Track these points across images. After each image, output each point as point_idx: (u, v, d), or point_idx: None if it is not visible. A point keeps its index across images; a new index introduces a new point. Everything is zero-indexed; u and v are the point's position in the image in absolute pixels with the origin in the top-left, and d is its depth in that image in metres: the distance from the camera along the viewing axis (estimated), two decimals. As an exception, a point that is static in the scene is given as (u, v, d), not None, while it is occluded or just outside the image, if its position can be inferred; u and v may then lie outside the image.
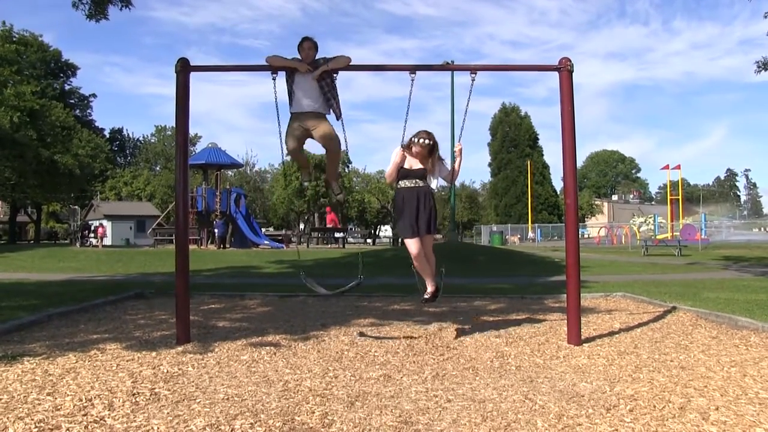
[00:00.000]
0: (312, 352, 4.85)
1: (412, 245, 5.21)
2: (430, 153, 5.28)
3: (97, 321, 6.37)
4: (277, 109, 5.35)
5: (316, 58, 5.33)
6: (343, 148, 5.54)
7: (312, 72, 5.23)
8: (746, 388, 3.63)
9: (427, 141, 5.22)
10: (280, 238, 29.68)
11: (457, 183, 44.36)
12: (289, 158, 6.07)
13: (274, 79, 5.33)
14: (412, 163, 5.32)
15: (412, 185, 5.29)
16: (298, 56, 5.33)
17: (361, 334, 5.61)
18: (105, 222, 48.75)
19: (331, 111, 5.36)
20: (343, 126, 5.46)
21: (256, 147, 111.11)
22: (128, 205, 57.51)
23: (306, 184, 7.10)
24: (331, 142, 5.43)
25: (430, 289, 5.46)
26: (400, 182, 5.35)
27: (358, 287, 5.71)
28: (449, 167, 5.51)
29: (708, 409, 3.21)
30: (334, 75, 5.33)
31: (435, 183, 5.42)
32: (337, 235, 29.46)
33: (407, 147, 5.31)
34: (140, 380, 3.86)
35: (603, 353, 4.76)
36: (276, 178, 51.58)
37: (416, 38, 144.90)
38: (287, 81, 5.36)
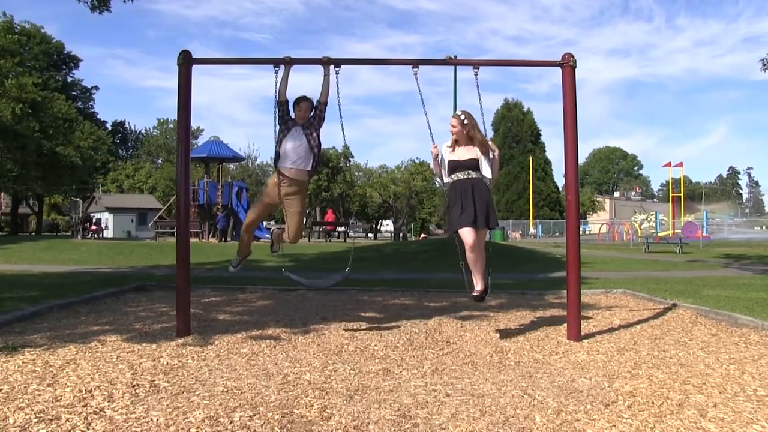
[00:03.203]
0: (312, 345, 4.86)
1: (468, 234, 4.87)
2: (470, 134, 5.05)
3: (97, 313, 6.39)
4: (276, 103, 5.30)
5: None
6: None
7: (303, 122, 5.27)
8: (744, 386, 3.63)
9: (455, 120, 5.07)
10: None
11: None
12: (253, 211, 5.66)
13: (276, 72, 5.32)
14: (461, 155, 5.09)
15: (465, 177, 5.02)
16: (293, 107, 5.33)
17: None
18: (106, 214, 48.88)
19: (311, 166, 5.31)
20: (341, 121, 5.38)
21: (258, 140, 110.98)
22: (130, 197, 57.58)
23: (232, 269, 6.82)
24: (295, 215, 5.37)
25: (479, 287, 5.08)
26: (451, 175, 5.12)
27: (344, 280, 5.53)
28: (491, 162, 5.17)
29: (706, 406, 3.22)
30: (322, 115, 5.30)
31: (488, 170, 5.07)
32: (338, 229, 29.43)
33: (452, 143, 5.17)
34: (140, 372, 3.88)
35: (602, 349, 4.76)
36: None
37: (419, 33, 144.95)
38: (282, 132, 5.31)
